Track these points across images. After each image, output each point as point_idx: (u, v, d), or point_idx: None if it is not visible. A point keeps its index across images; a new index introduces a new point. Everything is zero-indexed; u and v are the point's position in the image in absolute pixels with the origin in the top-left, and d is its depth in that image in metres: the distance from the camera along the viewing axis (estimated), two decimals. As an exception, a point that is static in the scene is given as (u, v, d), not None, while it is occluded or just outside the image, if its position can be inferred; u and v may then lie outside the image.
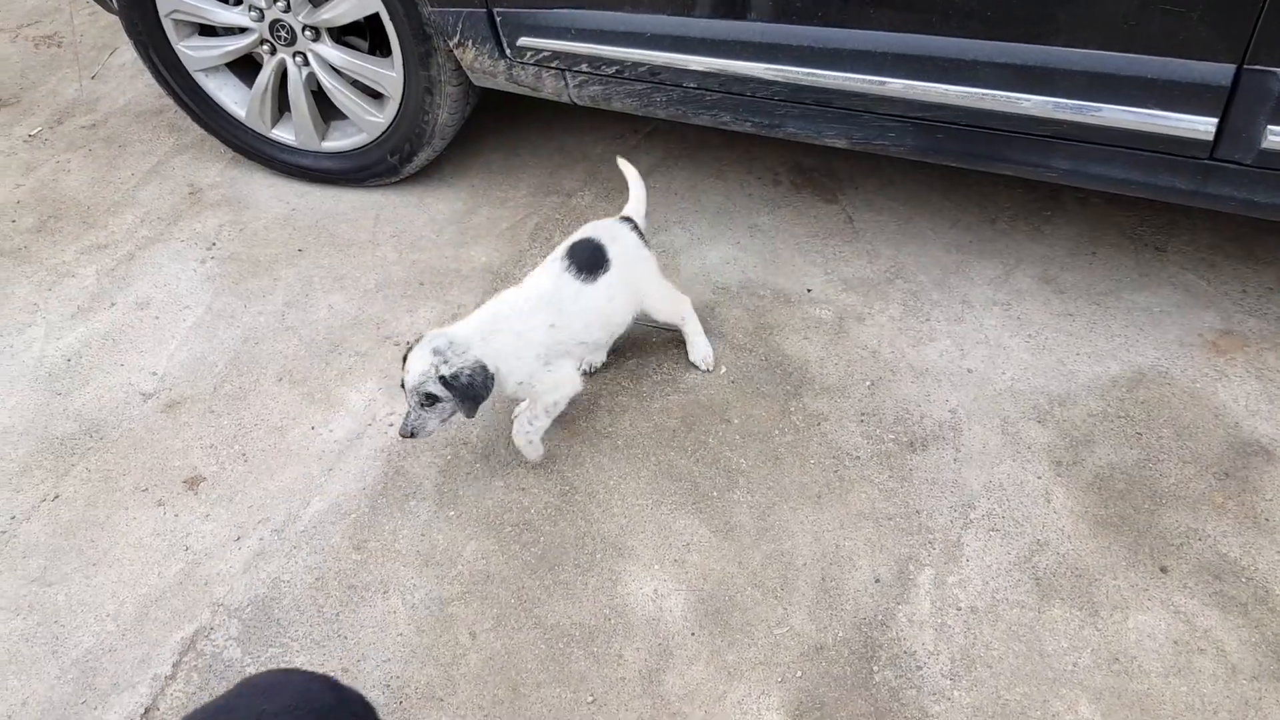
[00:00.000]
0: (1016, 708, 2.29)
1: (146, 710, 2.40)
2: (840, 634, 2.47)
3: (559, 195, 4.01)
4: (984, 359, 3.18)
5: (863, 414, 3.01)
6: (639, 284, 2.92)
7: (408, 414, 2.57)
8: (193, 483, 2.95)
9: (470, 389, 2.52)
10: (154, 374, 3.31)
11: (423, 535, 2.77)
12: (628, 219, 3.01)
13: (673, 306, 3.07)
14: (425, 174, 4.09)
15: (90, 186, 4.24)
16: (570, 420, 3.02)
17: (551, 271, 2.81)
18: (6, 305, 3.64)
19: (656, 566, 2.64)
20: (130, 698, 2.43)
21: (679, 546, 2.69)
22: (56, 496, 2.92)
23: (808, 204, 3.89)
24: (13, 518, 2.86)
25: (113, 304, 3.61)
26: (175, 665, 2.49)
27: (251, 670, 2.47)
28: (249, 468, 2.98)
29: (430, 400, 2.53)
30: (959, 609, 2.49)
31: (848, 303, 3.42)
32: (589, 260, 2.81)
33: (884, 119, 2.99)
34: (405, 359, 2.57)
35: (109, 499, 2.91)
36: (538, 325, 2.70)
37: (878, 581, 2.58)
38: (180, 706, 2.40)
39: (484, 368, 2.55)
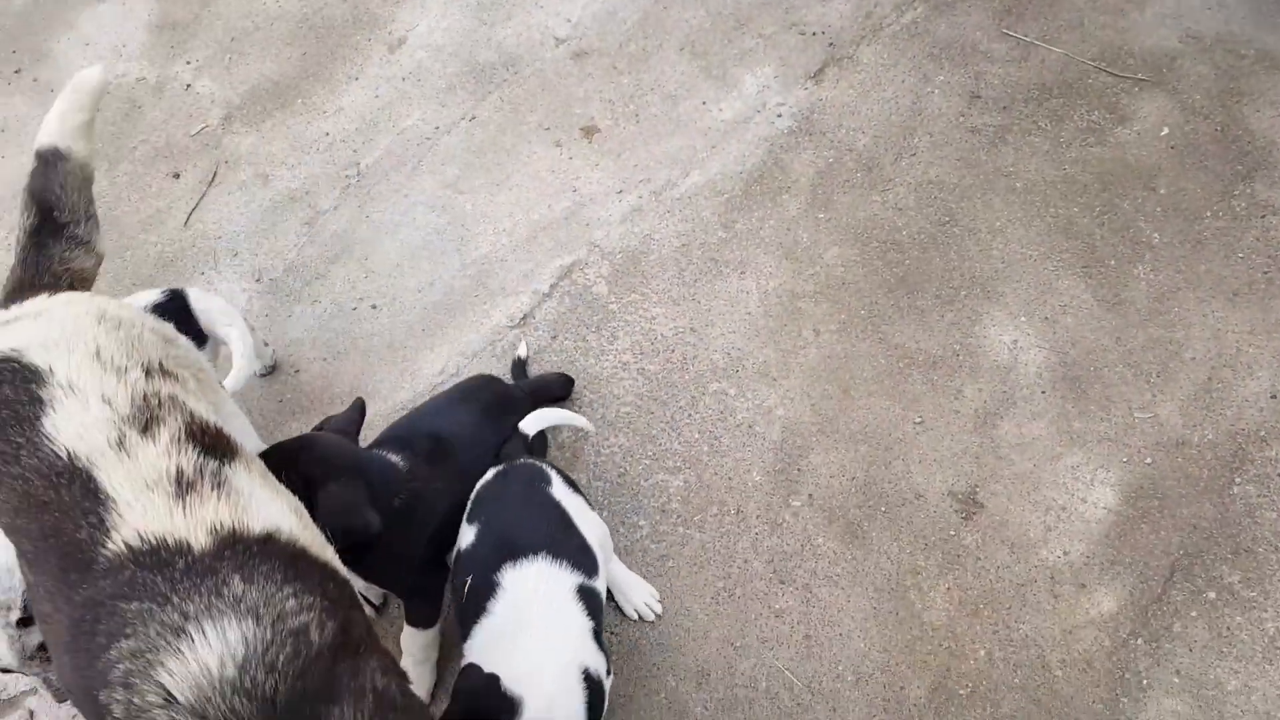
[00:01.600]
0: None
1: (525, 316, 2.81)
2: (1209, 436, 2.31)
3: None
4: None
5: (1324, 217, 2.61)
6: None
7: None
8: (588, 131, 3.21)
9: None
10: (569, 20, 3.54)
11: (788, 230, 2.87)
12: None
13: None
14: None
15: None
16: (969, 153, 2.90)
17: None
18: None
19: (1023, 319, 2.58)
20: (513, 303, 2.85)
21: (1054, 306, 2.58)
22: (473, 118, 3.31)
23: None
24: (437, 128, 3.30)
25: (543, -53, 3.83)
26: (552, 286, 2.87)
27: (615, 308, 2.79)
28: (639, 129, 3.18)
29: None
30: (1370, 455, 2.24)
31: (1352, 84, 2.87)
32: None
33: None
34: None
35: (515, 130, 3.26)
36: None
37: (1274, 398, 2.35)
38: (552, 322, 2.79)
39: None
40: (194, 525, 1.44)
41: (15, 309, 1.70)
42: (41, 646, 1.77)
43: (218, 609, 1.35)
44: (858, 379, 2.57)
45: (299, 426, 2.67)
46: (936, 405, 2.47)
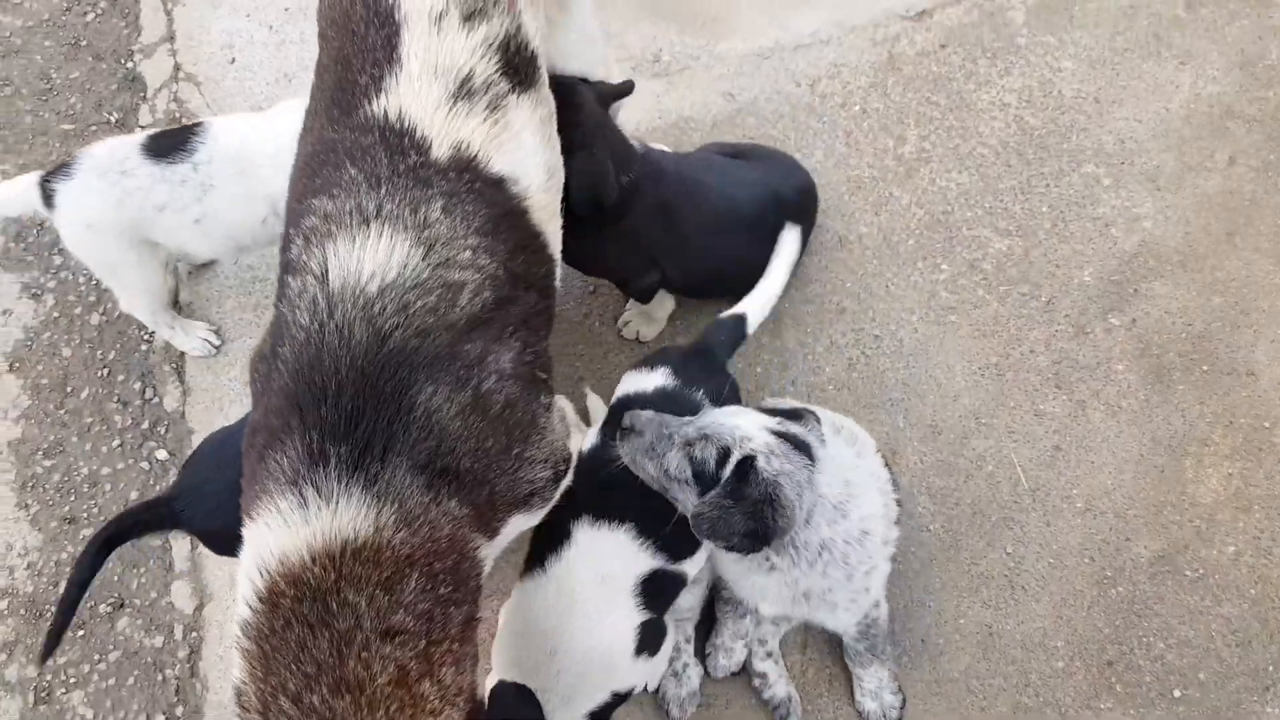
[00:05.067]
0: None
1: (923, 12, 2.69)
2: None
3: None
4: None
5: None
6: None
7: None
8: None
9: None
10: None
11: (1259, 38, 2.56)
12: None
13: None
14: None
15: None
16: None
17: None
18: None
19: None
20: (917, -9, 2.72)
21: None
22: None
23: None
24: None
25: None
26: (966, -9, 2.71)
27: (1022, 43, 2.62)
28: None
29: None
30: None
31: None
32: None
33: None
34: None
35: None
36: None
37: None
38: (948, 29, 2.66)
39: None
40: (446, 133, 1.48)
41: None
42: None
43: (404, 223, 1.41)
44: (1251, 228, 2.36)
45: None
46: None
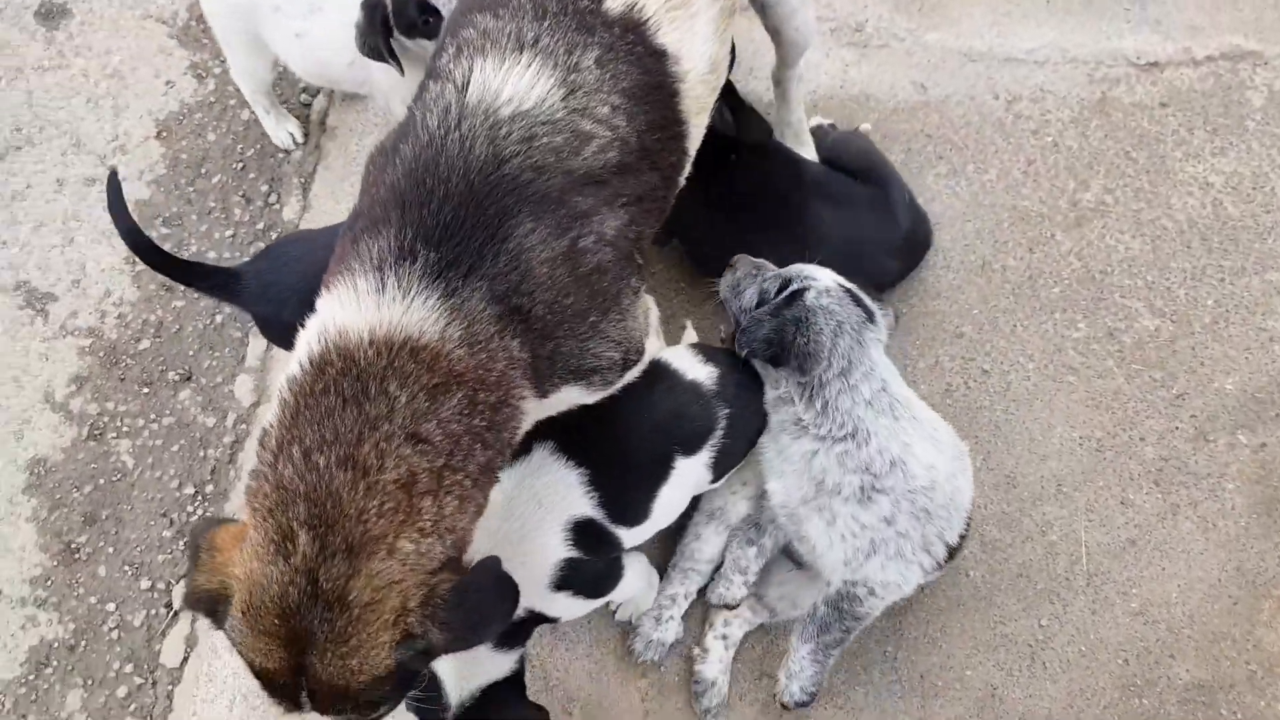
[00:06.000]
0: None
1: None
2: None
3: None
4: None
5: None
6: None
7: None
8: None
9: None
10: None
11: None
12: None
13: None
14: None
15: None
16: None
17: None
18: None
19: None
20: None
21: None
22: None
23: None
24: None
25: None
26: None
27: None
28: None
29: None
30: None
31: None
32: None
33: None
34: None
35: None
36: None
37: None
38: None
39: None
40: None
41: None
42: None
43: (555, 61, 1.42)
44: None
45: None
46: None
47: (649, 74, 1.51)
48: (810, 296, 1.85)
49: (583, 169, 1.42)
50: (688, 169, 1.72)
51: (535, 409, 1.47)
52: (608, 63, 1.46)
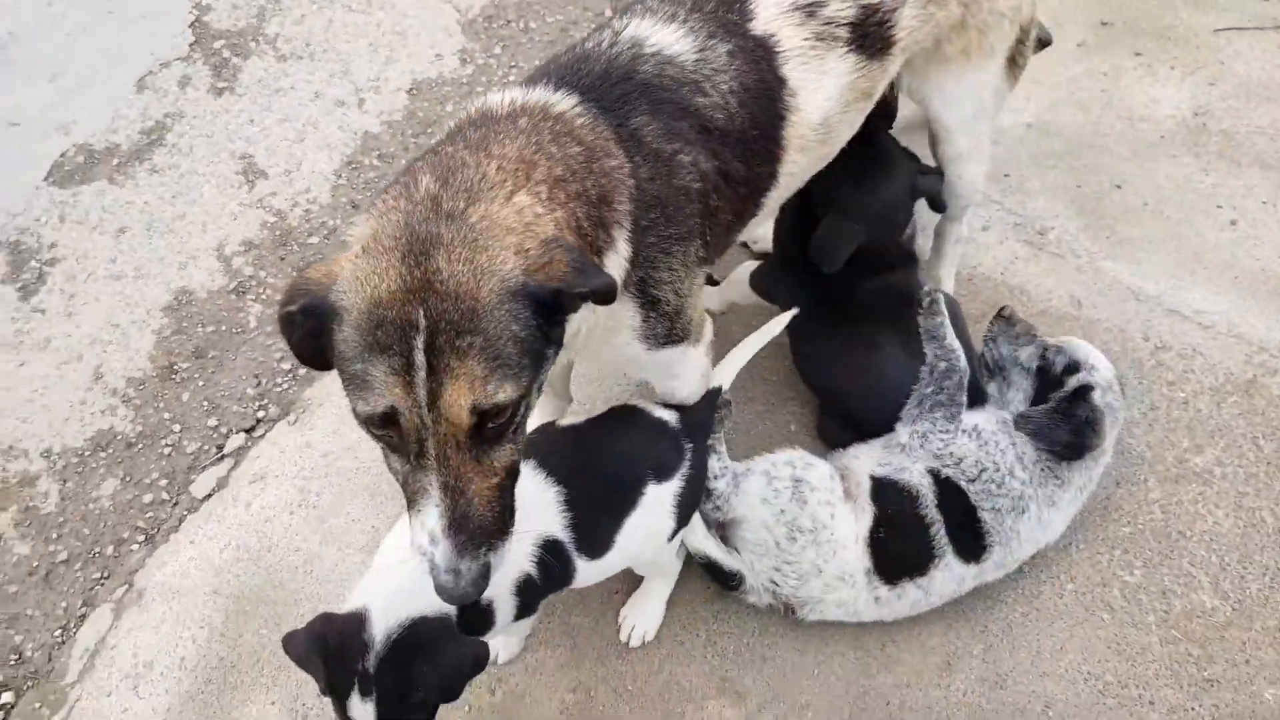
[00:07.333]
0: None
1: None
2: None
3: None
4: None
5: None
6: None
7: None
8: None
9: None
10: None
11: None
12: None
13: None
14: None
15: None
16: None
17: None
18: None
19: None
20: None
21: None
22: None
23: None
24: None
25: None
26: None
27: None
28: None
29: None
30: None
31: None
32: None
33: None
34: None
35: None
36: None
37: None
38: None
39: None
40: (771, 20, 1.72)
41: None
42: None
43: (695, 37, 1.67)
44: None
45: None
46: None
47: (767, 87, 1.72)
48: (1096, 397, 2.10)
49: (695, 109, 1.64)
50: (771, 200, 1.88)
51: (617, 266, 1.56)
52: (736, 59, 1.69)
